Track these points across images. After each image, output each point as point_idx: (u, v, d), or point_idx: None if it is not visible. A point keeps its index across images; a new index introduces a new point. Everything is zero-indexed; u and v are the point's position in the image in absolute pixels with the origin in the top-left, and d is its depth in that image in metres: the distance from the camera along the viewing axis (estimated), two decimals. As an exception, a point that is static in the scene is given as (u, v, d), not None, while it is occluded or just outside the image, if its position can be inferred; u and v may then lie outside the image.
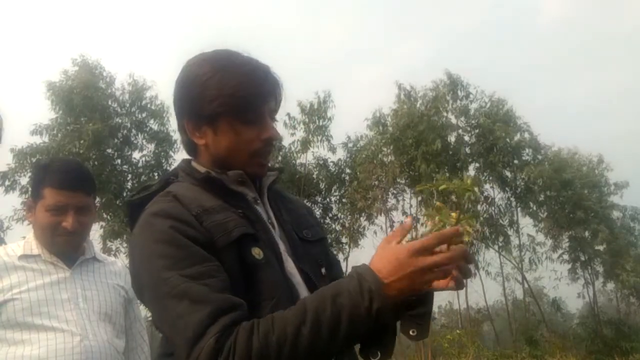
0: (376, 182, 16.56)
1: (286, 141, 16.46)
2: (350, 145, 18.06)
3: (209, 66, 1.13)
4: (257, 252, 1.06)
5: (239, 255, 1.04)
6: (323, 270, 1.19)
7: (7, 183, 14.25)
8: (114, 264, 1.90)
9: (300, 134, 16.94)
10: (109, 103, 15.85)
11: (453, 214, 0.98)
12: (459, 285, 1.01)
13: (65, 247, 1.69)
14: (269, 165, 1.23)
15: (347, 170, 18.04)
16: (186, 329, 0.93)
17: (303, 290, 1.09)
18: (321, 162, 17.84)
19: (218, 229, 1.04)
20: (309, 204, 16.51)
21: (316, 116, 16.79)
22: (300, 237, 1.21)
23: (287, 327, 0.92)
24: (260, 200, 1.19)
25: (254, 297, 1.02)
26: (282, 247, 1.13)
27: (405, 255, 0.94)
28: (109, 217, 14.85)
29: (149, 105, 16.12)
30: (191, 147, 1.20)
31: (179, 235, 1.01)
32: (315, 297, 0.96)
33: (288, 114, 16.31)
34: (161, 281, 0.98)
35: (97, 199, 14.18)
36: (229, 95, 1.10)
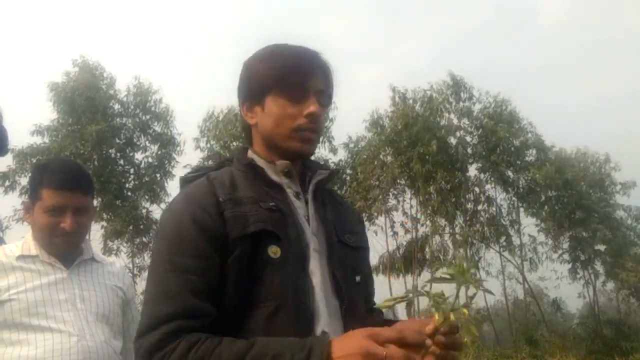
0: (376, 183, 16.57)
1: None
2: (351, 146, 18.07)
3: (260, 53, 1.20)
4: (273, 251, 1.05)
5: (253, 251, 1.04)
6: (358, 278, 1.17)
7: (7, 183, 14.27)
8: (113, 264, 1.90)
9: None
10: (111, 104, 15.86)
11: (464, 310, 0.89)
12: None
13: (64, 247, 1.69)
14: (321, 163, 1.29)
15: (348, 171, 18.04)
16: (147, 316, 0.99)
17: (320, 291, 1.07)
18: (322, 163, 17.84)
19: (236, 220, 1.06)
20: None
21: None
22: (341, 240, 1.19)
23: None
24: (303, 196, 1.19)
25: (258, 295, 1.02)
26: (313, 245, 1.11)
27: (360, 335, 0.90)
28: (109, 217, 14.86)
29: (152, 108, 16.13)
30: (247, 133, 1.24)
31: (194, 224, 1.04)
32: (260, 347, 0.93)
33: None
34: (157, 259, 1.06)
35: (98, 199, 14.27)
36: (275, 68, 1.14)
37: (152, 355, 0.94)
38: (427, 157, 15.39)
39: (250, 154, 1.22)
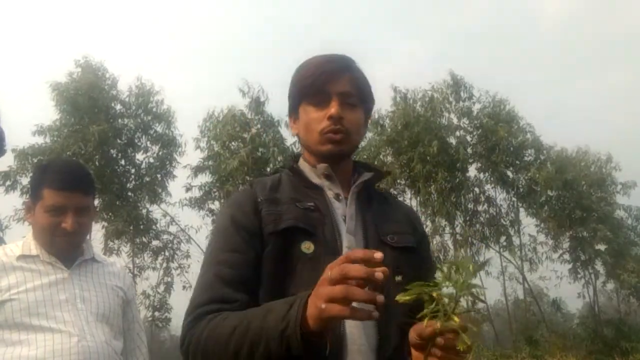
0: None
1: (287, 141, 16.45)
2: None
3: (296, 68, 1.30)
4: (307, 247, 1.13)
5: (287, 246, 1.13)
6: (398, 277, 1.17)
7: (7, 183, 14.27)
8: (113, 264, 1.90)
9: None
10: (113, 105, 15.86)
11: (455, 319, 0.84)
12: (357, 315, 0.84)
13: (65, 247, 1.69)
14: (372, 165, 1.38)
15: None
16: (189, 303, 1.12)
17: None
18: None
19: (269, 218, 1.16)
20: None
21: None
22: (382, 240, 1.22)
23: (228, 326, 1.00)
24: (344, 196, 1.25)
25: (290, 287, 1.09)
26: (347, 244, 1.16)
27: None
28: (109, 217, 14.84)
29: (154, 109, 16.12)
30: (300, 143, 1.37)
31: (232, 223, 1.17)
32: (260, 308, 1.01)
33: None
34: (205, 255, 1.20)
35: (99, 199, 14.27)
36: (301, 80, 1.26)
37: (186, 334, 1.07)
38: (427, 157, 15.38)
39: (300, 160, 1.33)
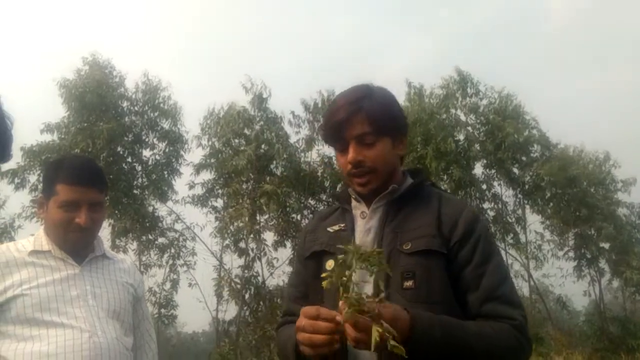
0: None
1: (291, 138, 16.41)
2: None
3: (325, 111, 1.53)
4: (329, 264, 1.31)
5: (317, 266, 1.38)
6: (409, 283, 1.25)
7: (17, 181, 14.30)
8: (123, 261, 1.91)
9: (305, 132, 16.89)
10: (120, 102, 15.84)
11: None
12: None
13: (78, 243, 1.70)
14: (416, 170, 1.52)
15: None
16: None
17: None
18: (326, 160, 17.78)
19: (307, 245, 1.46)
20: (312, 202, 16.44)
21: (320, 115, 16.70)
22: (397, 249, 1.30)
23: (281, 341, 1.41)
24: (368, 213, 1.38)
25: (323, 299, 1.30)
26: None
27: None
28: (116, 214, 14.85)
29: (161, 105, 16.08)
30: None
31: (296, 252, 1.60)
32: (291, 330, 1.26)
33: (292, 112, 16.30)
34: None
35: (107, 197, 14.17)
36: (324, 129, 1.43)
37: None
38: (439, 154, 15.22)
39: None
